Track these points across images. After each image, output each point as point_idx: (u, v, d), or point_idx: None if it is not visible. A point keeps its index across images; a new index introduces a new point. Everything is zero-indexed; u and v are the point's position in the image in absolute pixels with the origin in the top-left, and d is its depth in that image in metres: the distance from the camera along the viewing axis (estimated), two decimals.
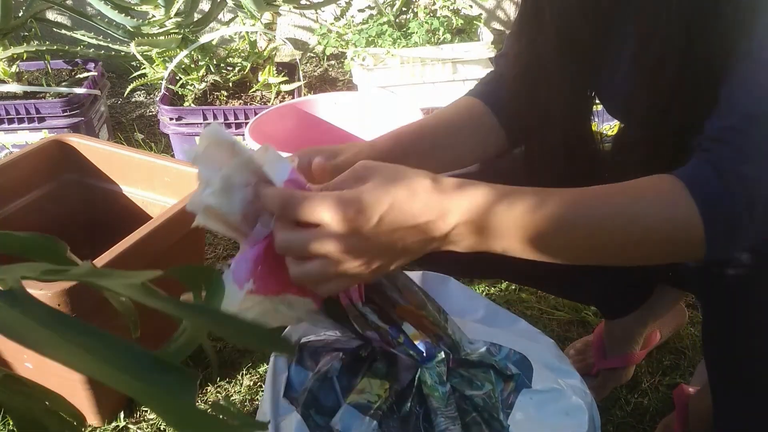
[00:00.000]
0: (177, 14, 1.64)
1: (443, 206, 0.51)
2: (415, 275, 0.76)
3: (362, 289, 0.58)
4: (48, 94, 1.61)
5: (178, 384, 0.31)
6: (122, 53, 1.74)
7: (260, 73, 1.73)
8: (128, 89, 1.73)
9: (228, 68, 1.74)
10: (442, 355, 0.63)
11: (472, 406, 0.61)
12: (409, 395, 0.62)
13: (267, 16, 1.71)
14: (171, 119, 1.55)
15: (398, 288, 0.59)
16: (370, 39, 1.70)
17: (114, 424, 1.00)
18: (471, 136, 0.77)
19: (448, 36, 1.72)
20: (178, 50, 1.63)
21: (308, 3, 1.84)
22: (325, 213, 0.49)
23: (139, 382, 0.31)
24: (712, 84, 0.57)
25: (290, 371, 0.68)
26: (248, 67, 1.70)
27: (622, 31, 0.69)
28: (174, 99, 1.66)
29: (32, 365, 0.96)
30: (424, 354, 0.63)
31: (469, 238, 0.53)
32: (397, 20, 1.79)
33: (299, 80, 1.69)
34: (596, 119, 0.82)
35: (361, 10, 1.93)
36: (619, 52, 0.69)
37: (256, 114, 1.39)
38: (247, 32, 1.72)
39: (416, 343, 0.62)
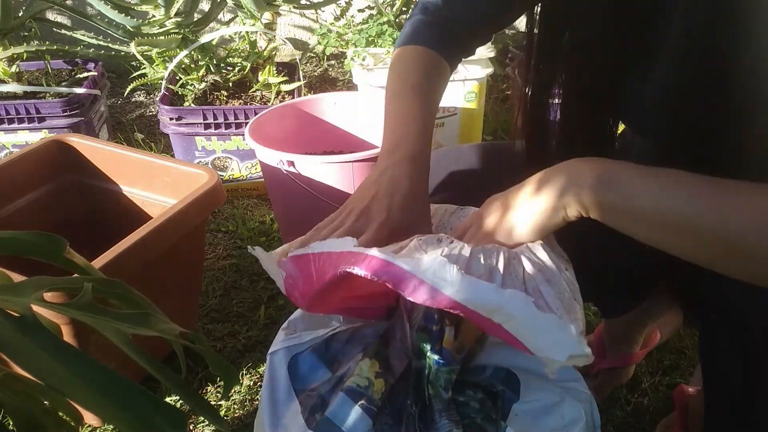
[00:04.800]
0: (177, 14, 1.64)
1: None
2: None
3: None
4: (48, 94, 1.61)
5: (170, 422, 0.34)
6: (122, 53, 1.74)
7: (260, 73, 1.73)
8: (128, 89, 1.73)
9: (228, 68, 1.74)
10: (459, 365, 0.62)
11: (467, 411, 0.61)
12: (403, 390, 0.62)
13: (267, 16, 1.71)
14: (171, 119, 1.55)
15: None
16: (370, 39, 1.69)
17: None
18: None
19: None
20: (178, 50, 1.63)
21: (308, 3, 1.83)
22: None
23: (137, 420, 0.33)
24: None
25: (298, 361, 0.67)
26: (248, 67, 1.70)
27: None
28: (174, 99, 1.66)
29: None
30: (441, 359, 0.62)
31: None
32: (397, 20, 1.79)
33: (299, 80, 1.69)
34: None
35: (361, 10, 1.93)
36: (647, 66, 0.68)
37: (256, 114, 1.39)
38: (247, 32, 1.72)
39: (443, 347, 0.62)
